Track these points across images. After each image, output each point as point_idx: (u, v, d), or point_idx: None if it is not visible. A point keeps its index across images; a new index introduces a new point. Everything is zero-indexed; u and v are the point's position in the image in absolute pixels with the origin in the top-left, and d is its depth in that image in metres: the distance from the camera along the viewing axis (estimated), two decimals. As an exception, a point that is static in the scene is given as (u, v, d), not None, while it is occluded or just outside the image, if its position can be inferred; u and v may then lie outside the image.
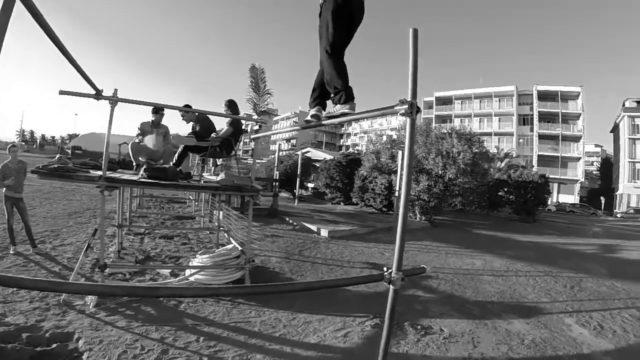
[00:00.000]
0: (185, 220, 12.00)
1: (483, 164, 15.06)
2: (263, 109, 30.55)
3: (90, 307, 4.80)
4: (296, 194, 19.56)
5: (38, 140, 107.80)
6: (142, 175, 5.43)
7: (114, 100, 4.73)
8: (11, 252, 6.86)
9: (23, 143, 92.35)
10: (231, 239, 7.50)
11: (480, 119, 59.70)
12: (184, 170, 6.56)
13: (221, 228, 8.67)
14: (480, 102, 60.67)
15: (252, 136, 7.38)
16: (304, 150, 28.63)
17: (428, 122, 43.71)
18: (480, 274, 7.96)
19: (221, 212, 10.59)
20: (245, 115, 8.41)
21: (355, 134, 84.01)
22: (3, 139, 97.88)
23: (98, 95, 4.54)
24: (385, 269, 2.56)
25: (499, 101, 58.48)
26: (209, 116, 7.41)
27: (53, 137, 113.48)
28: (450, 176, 13.62)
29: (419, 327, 4.92)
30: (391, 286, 2.47)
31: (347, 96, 3.30)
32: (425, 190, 14.02)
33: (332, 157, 21.65)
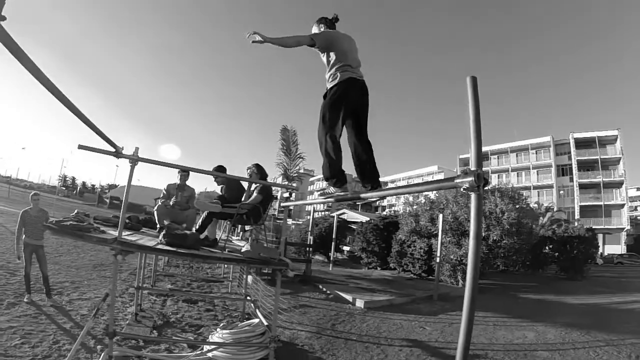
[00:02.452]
0: (213, 283, 11.53)
1: (528, 222, 14.22)
2: (294, 175, 29.76)
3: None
4: (331, 258, 18.95)
5: (78, 187, 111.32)
6: (160, 240, 5.03)
7: (134, 159, 4.45)
8: (25, 300, 6.76)
9: (63, 188, 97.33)
10: (257, 311, 6.91)
11: (517, 173, 58.57)
12: (210, 237, 6.11)
13: (248, 297, 8.08)
14: (516, 155, 59.71)
15: (282, 204, 6.93)
16: (339, 212, 28.04)
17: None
18: (534, 349, 6.95)
19: (250, 277, 10.13)
20: (276, 182, 8.00)
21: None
22: (47, 183, 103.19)
23: (118, 153, 4.29)
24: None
25: (536, 153, 57.35)
26: (241, 182, 7.06)
27: (93, 186, 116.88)
28: (494, 238, 12.82)
29: None
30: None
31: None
32: (467, 254, 12.96)
33: (368, 219, 21.02)
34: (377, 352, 6.42)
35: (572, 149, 52.90)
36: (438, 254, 12.18)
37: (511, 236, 13.08)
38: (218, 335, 5.54)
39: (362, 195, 3.17)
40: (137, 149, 4.48)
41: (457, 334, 6.21)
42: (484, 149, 62.47)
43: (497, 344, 7.31)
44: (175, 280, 11.07)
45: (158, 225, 6.81)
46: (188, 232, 5.73)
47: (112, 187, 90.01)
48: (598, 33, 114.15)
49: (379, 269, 18.29)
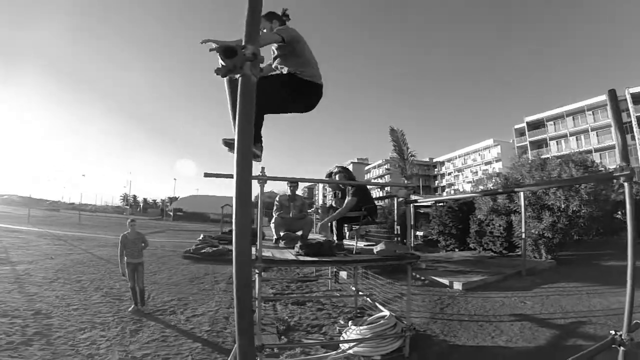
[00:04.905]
0: (310, 282, 11.86)
1: (603, 189, 14.14)
2: (410, 174, 30.69)
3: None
4: (411, 243, 19.22)
5: (141, 204, 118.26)
6: (298, 252, 5.52)
7: (262, 179, 4.90)
8: (129, 310, 7.73)
9: (127, 207, 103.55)
10: (377, 304, 7.40)
11: (577, 137, 55.77)
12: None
13: (360, 293, 8.58)
14: (573, 119, 56.86)
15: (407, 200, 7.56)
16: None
17: (539, 153, 41.84)
18: (634, 312, 7.41)
19: (344, 273, 10.56)
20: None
21: (449, 174, 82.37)
22: (110, 203, 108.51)
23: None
24: (612, 332, 3.04)
25: (593, 114, 54.26)
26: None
27: (154, 201, 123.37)
28: (574, 208, 12.93)
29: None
30: (621, 348, 2.93)
31: None
32: (549, 227, 13.18)
33: (434, 201, 21.09)
34: (492, 329, 6.83)
35: (630, 104, 49.37)
36: (523, 230, 12.28)
37: (590, 205, 13.08)
38: (356, 332, 6.00)
39: (517, 190, 3.80)
40: (263, 168, 4.86)
41: (557, 305, 6.84)
42: (539, 116, 60.71)
43: (596, 310, 7.56)
44: (272, 284, 11.31)
45: (274, 237, 7.46)
46: (321, 239, 6.19)
47: (173, 199, 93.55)
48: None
49: (457, 250, 18.50)
